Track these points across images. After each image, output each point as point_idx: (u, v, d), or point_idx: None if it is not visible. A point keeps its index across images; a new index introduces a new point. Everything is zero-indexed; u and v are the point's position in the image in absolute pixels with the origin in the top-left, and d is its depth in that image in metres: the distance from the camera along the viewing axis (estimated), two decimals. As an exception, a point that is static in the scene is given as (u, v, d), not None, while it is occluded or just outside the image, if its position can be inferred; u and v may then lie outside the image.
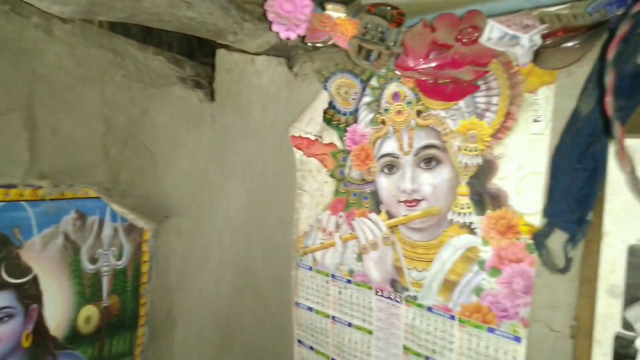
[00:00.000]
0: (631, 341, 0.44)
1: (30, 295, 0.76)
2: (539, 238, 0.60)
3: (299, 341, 0.99)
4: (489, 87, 0.65)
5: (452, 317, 0.73)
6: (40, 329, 0.77)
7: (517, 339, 0.66)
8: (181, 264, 1.05)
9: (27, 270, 0.75)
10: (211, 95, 1.03)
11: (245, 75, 0.97)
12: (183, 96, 0.98)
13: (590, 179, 0.50)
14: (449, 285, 0.72)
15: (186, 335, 1.11)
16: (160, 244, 0.98)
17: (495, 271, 0.67)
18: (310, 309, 0.96)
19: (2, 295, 0.72)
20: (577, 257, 0.57)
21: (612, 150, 0.52)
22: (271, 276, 1.02)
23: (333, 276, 0.90)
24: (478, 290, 0.69)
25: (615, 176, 0.50)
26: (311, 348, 0.97)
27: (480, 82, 0.65)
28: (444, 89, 0.64)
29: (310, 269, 0.94)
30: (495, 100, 0.65)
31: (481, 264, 0.69)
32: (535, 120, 0.61)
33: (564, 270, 0.57)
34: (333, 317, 0.91)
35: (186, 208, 1.04)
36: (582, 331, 0.57)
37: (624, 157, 0.42)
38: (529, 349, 0.65)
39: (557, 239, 0.59)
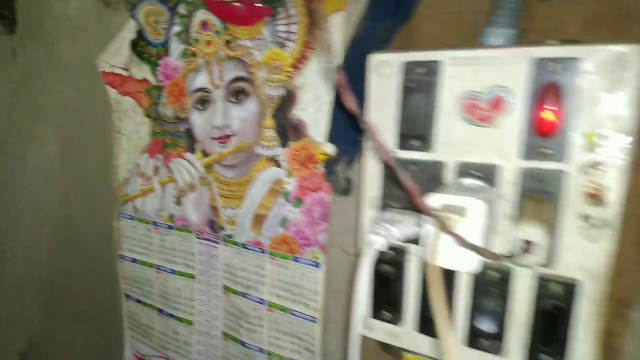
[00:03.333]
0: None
1: None
2: (329, 164, 0.62)
3: (126, 295, 0.94)
4: (289, 14, 0.64)
5: (263, 251, 0.73)
6: None
7: (317, 265, 0.68)
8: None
9: None
10: (11, 27, 0.90)
11: (49, 3, 0.86)
12: (-26, 26, 0.85)
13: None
14: (259, 220, 0.72)
15: (4, 303, 1.00)
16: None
17: (298, 201, 0.68)
18: (134, 260, 0.90)
19: None
20: (356, 179, 0.60)
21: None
22: (93, 229, 0.94)
23: (154, 223, 0.86)
24: (284, 222, 0.70)
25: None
26: (138, 301, 0.92)
27: (279, 8, 0.64)
28: (235, 10, 0.61)
29: (132, 218, 0.88)
30: (294, 28, 0.64)
31: (286, 195, 0.69)
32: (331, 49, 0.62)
33: (346, 192, 0.59)
34: (157, 267, 0.88)
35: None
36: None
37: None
38: (328, 273, 0.67)
39: (341, 163, 0.60)
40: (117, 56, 0.78)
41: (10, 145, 0.91)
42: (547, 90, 0.39)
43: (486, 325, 0.46)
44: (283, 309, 0.73)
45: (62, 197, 0.95)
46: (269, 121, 0.68)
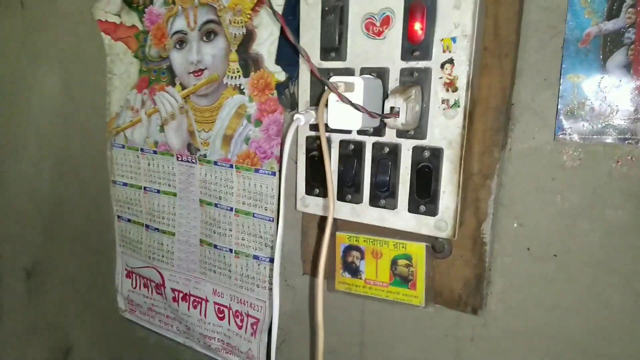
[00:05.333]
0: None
1: None
2: (280, 88, 0.78)
3: (118, 216, 1.10)
4: (248, -33, 0.80)
5: (231, 166, 0.89)
6: None
7: (273, 174, 0.84)
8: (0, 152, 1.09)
9: None
10: (19, -18, 1.05)
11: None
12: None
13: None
14: (227, 140, 0.89)
15: (11, 226, 1.15)
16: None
17: (258, 122, 0.84)
18: (125, 184, 1.07)
19: None
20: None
21: None
22: (89, 159, 1.10)
23: (142, 150, 1.02)
24: (247, 140, 0.86)
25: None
26: (128, 220, 1.08)
27: (240, -37, 0.80)
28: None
29: (123, 147, 1.04)
30: (253, -22, 0.80)
31: (248, 117, 0.85)
32: (279, -6, 0.78)
33: (293, 107, 0.75)
34: (144, 188, 1.04)
35: (1, 97, 1.07)
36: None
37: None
38: (280, 179, 0.84)
39: (289, 85, 0.77)
40: (110, 4, 0.93)
41: (17, 86, 1.06)
42: (415, 8, 0.56)
43: (383, 188, 0.63)
44: (247, 214, 0.89)
45: (62, 131, 1.10)
46: (234, 56, 0.84)
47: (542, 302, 0.66)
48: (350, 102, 0.50)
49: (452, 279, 0.69)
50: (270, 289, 0.87)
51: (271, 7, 0.50)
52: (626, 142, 0.58)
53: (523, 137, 0.63)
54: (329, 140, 0.66)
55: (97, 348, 1.18)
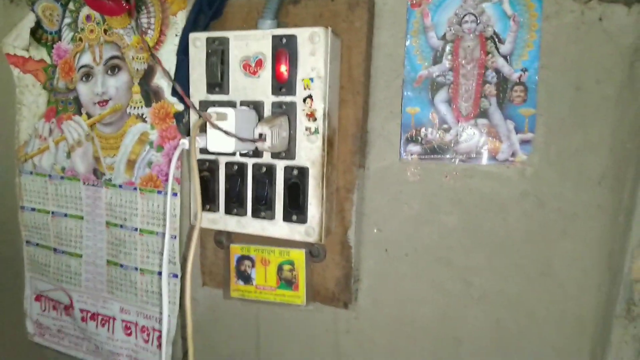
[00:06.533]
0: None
1: None
2: (178, 117, 0.88)
3: (27, 241, 1.12)
4: (149, 11, 0.90)
5: (135, 189, 0.97)
6: None
7: (175, 194, 0.93)
8: None
9: None
10: None
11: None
12: None
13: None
14: (131, 164, 0.96)
15: None
16: None
17: (160, 148, 0.93)
18: (33, 209, 1.10)
19: None
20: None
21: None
22: (-3, 186, 1.12)
23: (50, 176, 1.06)
24: (150, 164, 0.94)
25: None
26: (37, 244, 1.11)
27: (142, 6, 0.90)
28: (104, 4, 0.86)
29: (31, 173, 1.08)
30: (153, 21, 0.90)
31: (151, 143, 0.94)
32: (177, 35, 0.88)
33: (189, 133, 0.86)
34: (52, 212, 1.08)
35: None
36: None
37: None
38: (182, 199, 0.92)
39: (185, 113, 0.87)
40: (18, 39, 0.99)
41: None
42: (280, 54, 0.68)
43: (262, 202, 0.74)
44: (151, 232, 0.96)
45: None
46: (137, 88, 0.93)
47: (399, 295, 0.79)
48: (220, 128, 0.61)
49: (326, 279, 0.80)
50: (174, 303, 0.94)
51: (153, 56, 0.60)
52: (451, 160, 0.73)
53: (377, 158, 0.77)
54: (216, 162, 0.76)
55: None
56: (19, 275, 1.13)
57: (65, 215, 1.06)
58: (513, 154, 0.70)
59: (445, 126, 0.73)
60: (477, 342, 0.75)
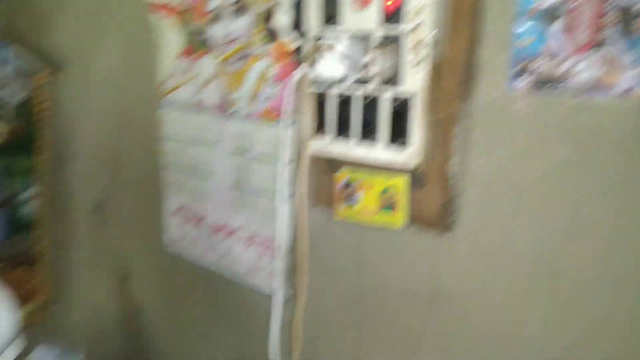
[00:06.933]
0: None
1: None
2: (294, 52, 0.96)
3: (167, 165, 1.32)
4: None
5: (257, 120, 1.08)
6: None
7: (291, 124, 1.02)
8: (74, 109, 1.34)
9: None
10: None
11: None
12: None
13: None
14: (254, 98, 1.07)
15: (82, 172, 1.41)
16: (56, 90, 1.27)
17: (279, 82, 1.02)
18: (171, 138, 1.28)
19: None
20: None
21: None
22: (143, 118, 1.33)
23: (185, 109, 1.22)
24: (270, 97, 1.04)
25: None
26: (174, 168, 1.30)
27: None
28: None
29: (170, 107, 1.26)
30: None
31: (271, 78, 1.03)
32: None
33: (312, 64, 0.93)
34: (187, 141, 1.25)
35: (76, 62, 1.32)
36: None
37: None
38: (298, 127, 1.02)
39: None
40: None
41: (85, 54, 1.31)
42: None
43: (368, 128, 0.80)
44: (270, 159, 1.08)
45: (121, 95, 1.33)
46: (259, 28, 1.03)
47: (498, 226, 0.81)
48: (343, 53, 0.68)
49: (427, 205, 0.85)
50: (288, 220, 1.07)
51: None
52: (563, 93, 0.72)
53: (484, 90, 0.78)
54: (326, 92, 0.84)
55: (151, 274, 1.43)
56: (161, 192, 1.35)
57: (198, 143, 1.22)
58: (632, 88, 0.67)
59: (559, 58, 0.72)
60: (578, 276, 0.76)
